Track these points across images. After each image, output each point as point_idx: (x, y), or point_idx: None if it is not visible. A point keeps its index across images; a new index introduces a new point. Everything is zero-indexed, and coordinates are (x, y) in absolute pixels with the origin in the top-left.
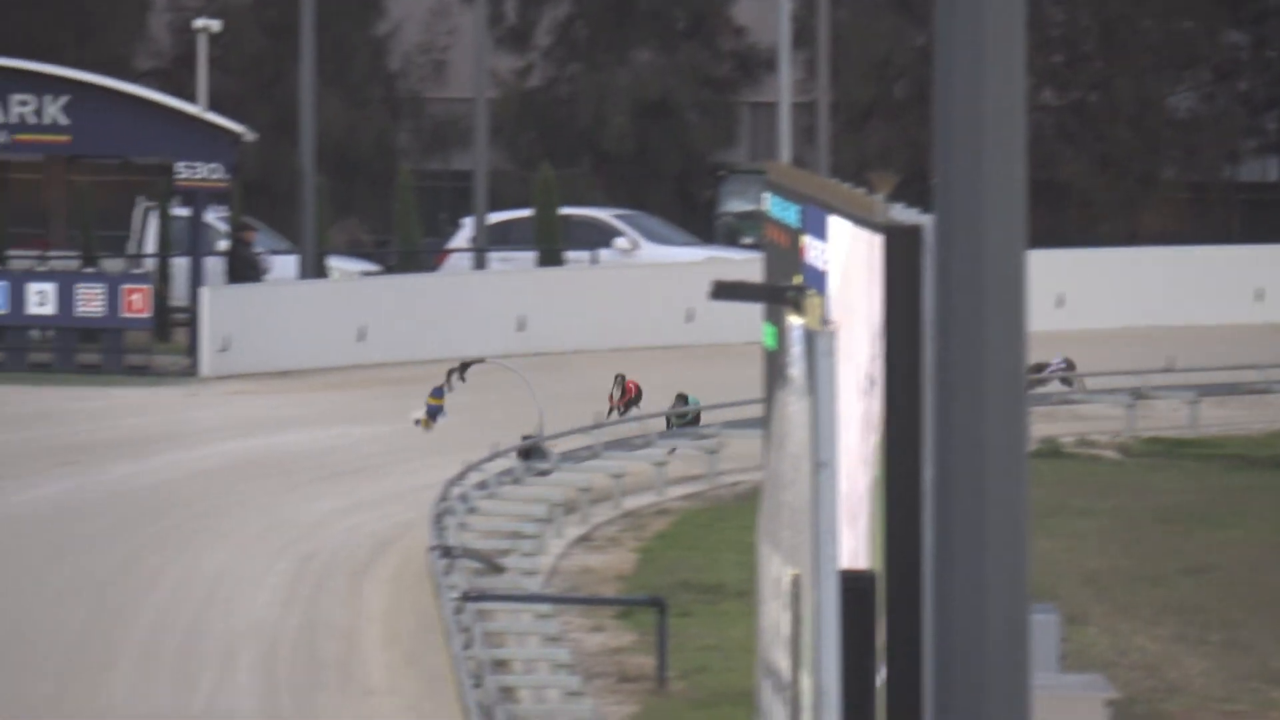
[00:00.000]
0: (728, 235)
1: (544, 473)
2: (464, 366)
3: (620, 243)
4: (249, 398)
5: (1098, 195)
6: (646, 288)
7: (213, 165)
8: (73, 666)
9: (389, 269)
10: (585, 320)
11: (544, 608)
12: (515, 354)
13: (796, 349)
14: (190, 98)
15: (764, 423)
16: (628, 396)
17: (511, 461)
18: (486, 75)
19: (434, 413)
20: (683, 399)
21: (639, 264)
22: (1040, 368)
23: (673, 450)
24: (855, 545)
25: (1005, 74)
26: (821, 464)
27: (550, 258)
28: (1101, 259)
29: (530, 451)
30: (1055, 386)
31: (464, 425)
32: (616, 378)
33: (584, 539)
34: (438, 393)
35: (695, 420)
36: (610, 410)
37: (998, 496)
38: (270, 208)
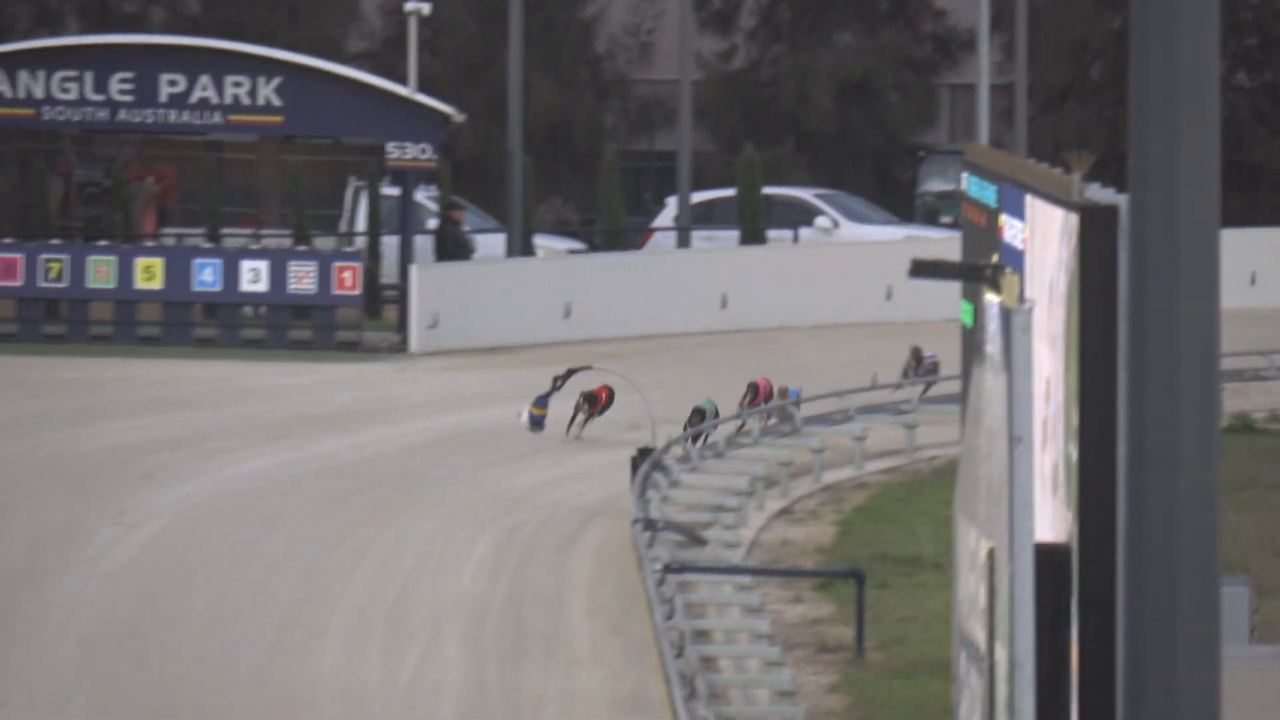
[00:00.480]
0: (926, 215)
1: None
2: (567, 374)
3: (821, 221)
4: (457, 373)
5: None
6: (847, 266)
7: (422, 146)
8: (282, 637)
9: (594, 247)
10: (786, 298)
11: (744, 579)
12: (717, 330)
13: (993, 326)
14: (400, 80)
15: (961, 398)
16: (600, 404)
17: (713, 436)
18: (691, 57)
19: (537, 421)
20: (699, 413)
21: (839, 242)
22: (919, 357)
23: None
24: (1050, 518)
25: (1199, 56)
26: (1017, 439)
27: (752, 236)
28: None
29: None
30: (1251, 361)
31: (667, 401)
32: (583, 394)
33: (784, 512)
34: (541, 401)
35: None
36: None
37: (1189, 471)
38: (479, 188)
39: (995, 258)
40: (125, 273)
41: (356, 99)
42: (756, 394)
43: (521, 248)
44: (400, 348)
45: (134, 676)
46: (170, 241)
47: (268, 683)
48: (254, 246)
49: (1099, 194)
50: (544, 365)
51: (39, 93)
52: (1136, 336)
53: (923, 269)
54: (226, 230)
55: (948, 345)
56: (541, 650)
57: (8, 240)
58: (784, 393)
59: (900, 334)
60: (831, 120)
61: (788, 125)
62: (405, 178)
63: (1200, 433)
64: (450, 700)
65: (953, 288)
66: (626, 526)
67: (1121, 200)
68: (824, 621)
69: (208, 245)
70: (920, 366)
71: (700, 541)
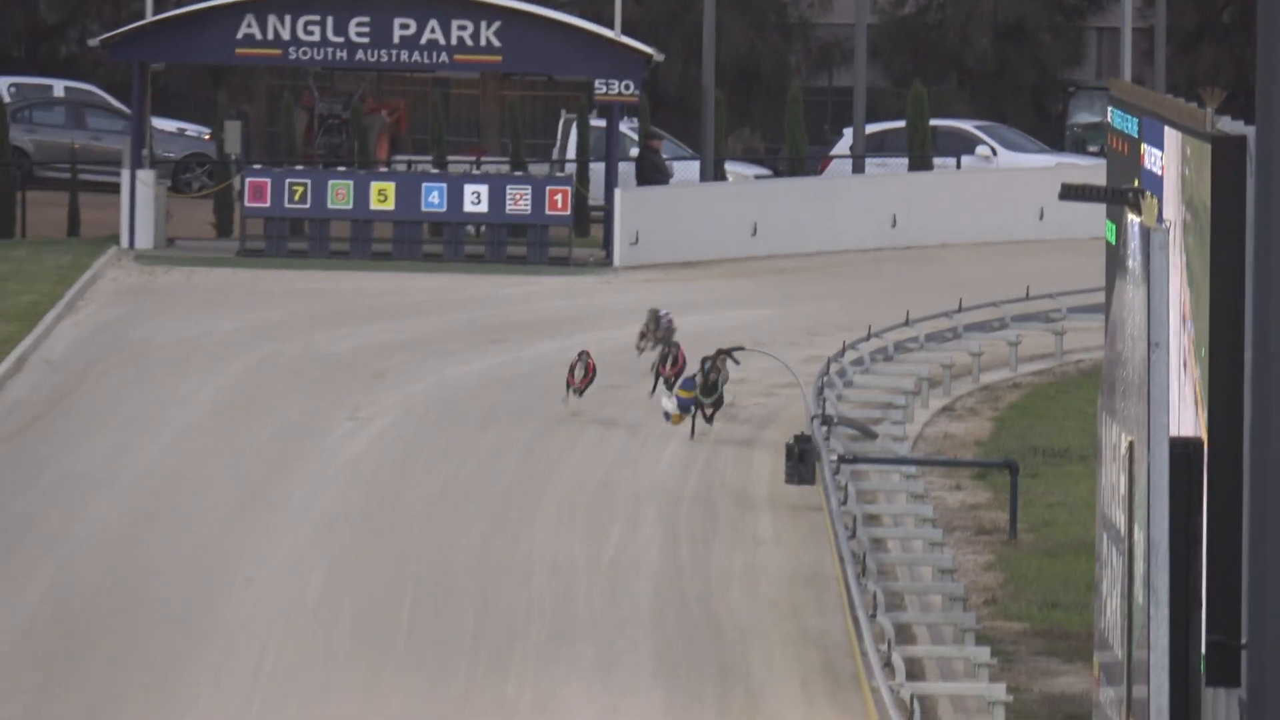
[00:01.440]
0: (1075, 144)
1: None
2: (726, 351)
3: (981, 150)
4: (655, 285)
5: None
6: (1003, 190)
7: (625, 82)
8: (497, 520)
9: (778, 173)
10: (950, 218)
11: (910, 469)
12: (887, 248)
13: (1134, 244)
14: (608, 24)
15: (1105, 308)
16: (589, 377)
17: (884, 341)
18: (867, 3)
19: (686, 406)
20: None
21: (997, 169)
22: (657, 319)
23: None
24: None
25: None
26: (1154, 344)
27: (920, 163)
28: None
29: (802, 454)
30: None
31: (844, 309)
32: (580, 354)
33: (946, 409)
34: (689, 384)
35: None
36: (568, 390)
37: None
38: (677, 120)
39: (1136, 182)
40: (361, 195)
41: (567, 40)
42: (586, 372)
43: (714, 173)
44: (605, 262)
45: (367, 554)
46: (401, 168)
47: (484, 560)
48: (476, 172)
49: (1229, 125)
50: (731, 278)
51: (286, 35)
52: (1261, 251)
53: (1071, 192)
54: (451, 158)
55: (1094, 261)
56: (729, 533)
57: (257, 166)
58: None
59: (1051, 250)
60: (991, 59)
61: (951, 64)
62: (610, 111)
63: None
64: (647, 577)
65: (1098, 209)
66: (802, 426)
67: (1249, 131)
68: (981, 507)
69: (435, 171)
70: (659, 328)
71: (871, 435)
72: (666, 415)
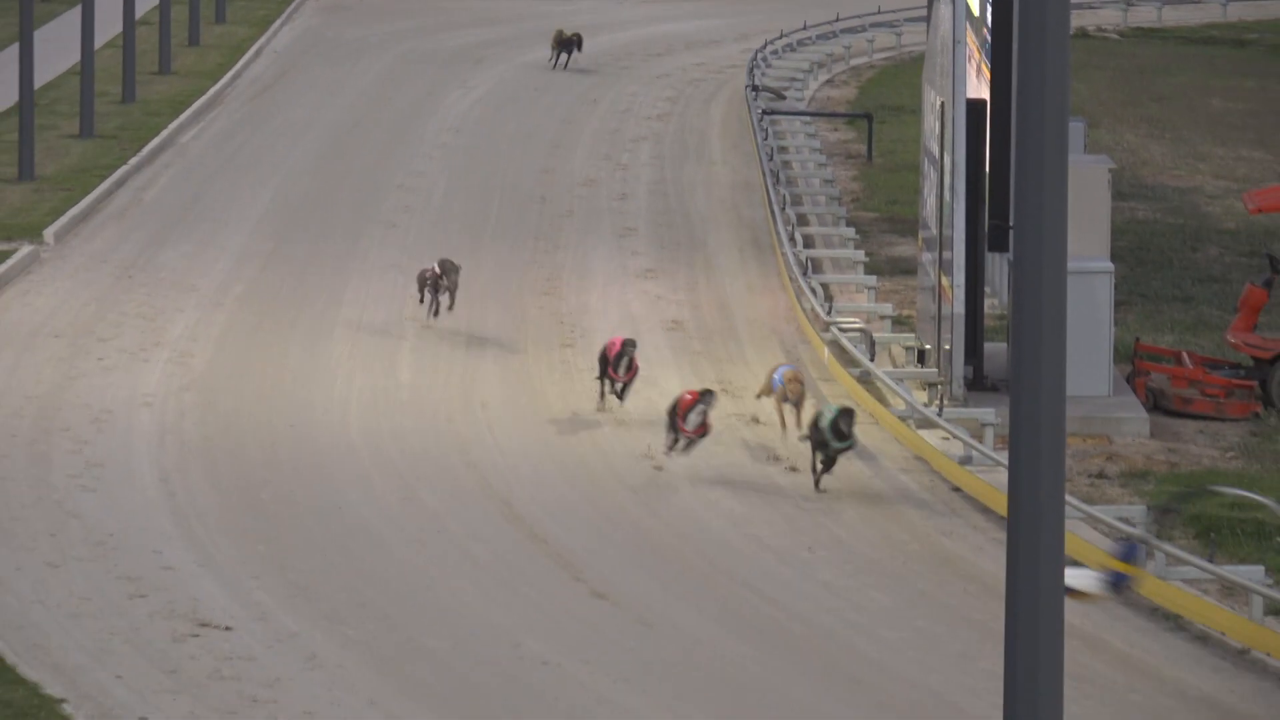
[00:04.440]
0: None
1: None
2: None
3: None
4: (649, 6)
5: None
6: None
7: None
8: (551, 149)
9: None
10: None
11: (806, 119)
12: None
13: None
14: None
15: (927, 19)
16: (634, 373)
17: (790, 40)
18: None
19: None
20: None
21: None
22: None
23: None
24: (976, 87)
25: None
26: (957, 42)
27: None
28: None
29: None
30: None
31: (762, 21)
32: (624, 345)
33: (828, 82)
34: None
35: None
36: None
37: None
38: None
39: None
40: None
41: None
42: (630, 369)
43: None
44: None
45: (472, 168)
46: None
47: (544, 173)
48: None
49: None
50: (694, 2)
51: None
52: None
53: None
54: None
55: None
56: (695, 158)
57: None
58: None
59: None
60: None
61: None
62: None
63: None
64: (644, 183)
65: None
66: (741, 89)
67: None
68: (849, 142)
69: None
70: (444, 278)
71: (782, 97)
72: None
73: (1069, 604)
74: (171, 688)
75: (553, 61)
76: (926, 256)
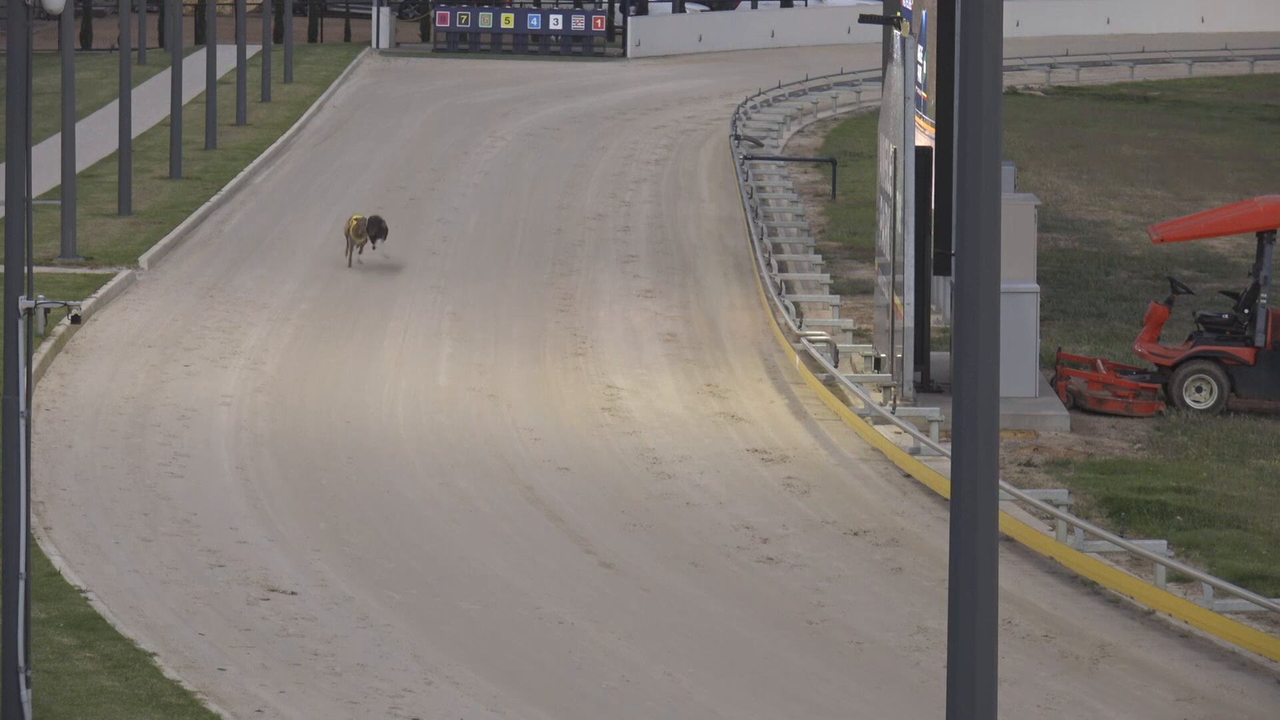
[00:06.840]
0: None
1: None
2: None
3: None
4: (649, 68)
5: None
6: (825, 24)
7: None
8: (566, 189)
9: (713, 7)
10: (816, 27)
11: (780, 163)
12: (769, 48)
13: (896, 44)
14: None
15: (882, 78)
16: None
17: (767, 97)
18: None
19: None
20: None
21: (828, 7)
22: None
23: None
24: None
25: None
26: (906, 99)
27: (788, 2)
28: None
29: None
30: None
31: (742, 81)
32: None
33: (799, 132)
34: None
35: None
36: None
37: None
38: None
39: (898, 13)
40: (495, 19)
41: None
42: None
43: (679, 7)
44: (622, 55)
45: (500, 205)
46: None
47: (560, 209)
48: (555, 6)
49: None
50: (691, 64)
51: None
52: (963, 30)
53: (866, 19)
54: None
55: (874, 55)
56: (687, 196)
57: (443, 2)
58: None
59: (852, 51)
60: None
61: None
62: None
63: None
64: (644, 218)
65: (881, 26)
66: (726, 138)
67: None
68: (818, 182)
69: (534, 5)
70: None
71: (760, 145)
72: None
73: (1001, 572)
74: (245, 643)
75: (349, 258)
76: (882, 279)
